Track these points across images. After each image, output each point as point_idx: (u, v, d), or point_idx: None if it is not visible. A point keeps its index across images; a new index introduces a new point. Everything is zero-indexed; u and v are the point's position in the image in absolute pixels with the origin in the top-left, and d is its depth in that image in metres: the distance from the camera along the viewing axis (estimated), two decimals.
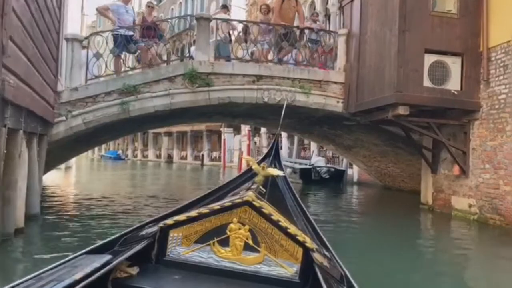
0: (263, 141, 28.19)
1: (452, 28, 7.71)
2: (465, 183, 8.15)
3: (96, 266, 2.03)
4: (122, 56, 8.99)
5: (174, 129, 38.93)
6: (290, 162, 17.54)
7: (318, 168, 15.97)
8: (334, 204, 12.44)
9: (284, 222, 2.33)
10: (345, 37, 9.60)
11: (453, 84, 7.77)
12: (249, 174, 3.19)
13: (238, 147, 31.05)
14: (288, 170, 16.33)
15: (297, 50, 9.56)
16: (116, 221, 7.22)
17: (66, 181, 16.79)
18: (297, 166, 16.48)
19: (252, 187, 2.68)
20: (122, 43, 8.64)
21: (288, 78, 9.16)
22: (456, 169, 8.24)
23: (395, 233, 7.56)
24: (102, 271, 2.02)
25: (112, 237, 2.67)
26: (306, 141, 26.00)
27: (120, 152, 48.85)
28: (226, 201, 2.44)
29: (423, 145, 9.29)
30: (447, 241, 7.26)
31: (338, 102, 9.40)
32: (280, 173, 2.94)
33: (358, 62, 8.96)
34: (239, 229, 2.35)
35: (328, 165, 16.62)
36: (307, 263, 2.31)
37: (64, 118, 8.04)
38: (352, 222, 8.88)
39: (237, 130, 31.61)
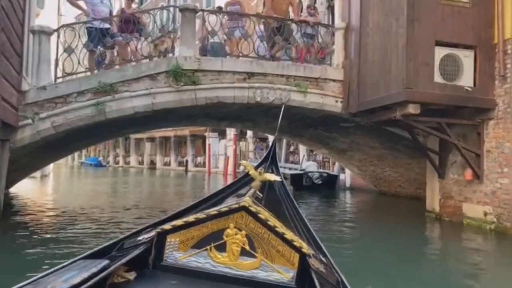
0: (249, 145, 27.37)
1: (464, 18, 7.00)
2: (479, 188, 7.43)
3: (93, 271, 2.03)
4: (97, 51, 8.03)
5: (157, 134, 38.19)
6: (280, 167, 16.64)
7: (309, 174, 15.18)
8: (329, 212, 11.64)
9: (280, 228, 2.34)
10: (343, 31, 8.84)
11: (466, 80, 7.05)
12: (246, 179, 3.14)
13: (223, 152, 30.17)
14: None
15: (291, 46, 8.75)
16: (89, 242, 6.10)
17: (39, 191, 15.60)
18: (288, 171, 15.65)
19: (249, 192, 2.63)
20: (97, 36, 7.70)
21: (282, 76, 8.34)
22: (468, 174, 7.51)
23: (402, 244, 6.79)
24: (100, 276, 2.02)
25: (110, 242, 2.67)
26: (294, 145, 25.38)
27: (101, 158, 47.60)
28: (223, 206, 2.43)
29: (428, 147, 8.56)
30: (462, 254, 6.48)
31: (337, 101, 8.61)
32: (277, 178, 2.90)
33: (359, 58, 8.19)
34: (236, 234, 2.35)
35: (320, 170, 15.84)
36: (304, 269, 2.32)
37: (30, 121, 7.05)
38: (352, 232, 8.08)
39: (222, 135, 30.88)
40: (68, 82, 7.55)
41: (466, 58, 7.02)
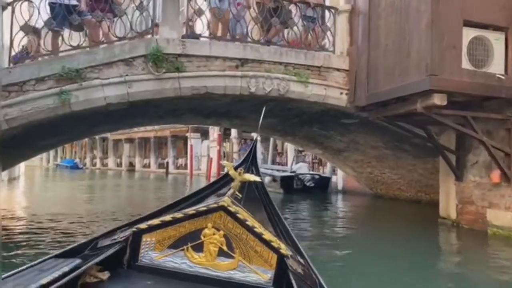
0: (234, 146, 26.19)
1: None
2: (508, 192, 6.45)
3: (64, 270, 2.02)
4: (62, 32, 6.73)
5: (136, 135, 37.11)
6: (268, 169, 15.57)
7: (301, 176, 14.13)
8: (324, 218, 10.61)
9: (259, 228, 2.33)
10: (347, 15, 7.78)
11: (496, 66, 6.08)
12: (225, 180, 3.04)
13: (206, 153, 28.96)
14: (267, 179, 14.42)
15: (289, 29, 7.63)
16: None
17: (4, 196, 14.06)
18: (277, 173, 14.57)
19: (228, 192, 2.59)
20: (61, 13, 6.44)
21: (280, 63, 7.22)
22: (495, 175, 6.54)
23: (416, 258, 5.81)
24: (71, 275, 2.01)
25: (82, 241, 2.63)
26: (281, 145, 24.31)
27: (77, 160, 46.02)
28: (201, 206, 2.41)
29: (444, 145, 7.56)
30: (489, 268, 5.49)
31: (341, 93, 7.53)
32: (257, 178, 2.83)
33: (368, 43, 7.14)
34: (214, 234, 2.33)
35: (311, 172, 14.80)
36: (282, 270, 2.31)
37: None
38: (355, 243, 7.07)
39: (205, 135, 29.81)
40: (24, 66, 6.26)
41: (497, 41, 6.05)
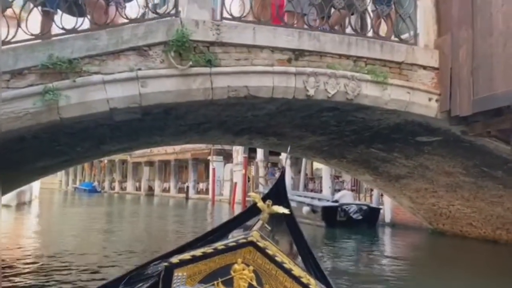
0: (260, 170, 24.17)
1: None
2: None
3: None
4: (55, 13, 4.95)
5: (156, 158, 35.90)
6: (304, 197, 13.48)
7: (345, 206, 11.98)
8: (379, 259, 8.48)
9: (288, 264, 2.37)
10: None
11: None
12: (254, 210, 2.96)
13: (229, 177, 27.14)
14: (305, 209, 12.33)
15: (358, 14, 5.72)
16: None
17: (9, 226, 12.27)
18: (317, 203, 12.44)
19: (257, 225, 2.64)
20: None
21: (348, 57, 5.28)
22: None
23: None
24: None
25: (117, 276, 2.78)
26: (311, 169, 22.17)
27: (95, 184, 45.01)
28: (231, 241, 2.45)
29: None
30: None
31: (430, 99, 5.52)
32: (286, 211, 2.77)
33: (473, 30, 5.14)
34: (243, 269, 2.36)
35: (358, 202, 12.64)
36: None
37: None
38: None
39: (227, 159, 28.19)
40: None
41: None
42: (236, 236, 2.61)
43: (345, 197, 12.60)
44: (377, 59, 5.36)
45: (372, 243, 10.94)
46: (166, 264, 2.40)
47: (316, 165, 21.57)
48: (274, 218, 2.82)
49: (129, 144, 8.77)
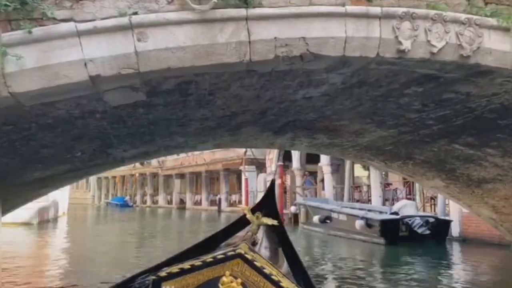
0: (296, 179, 22.26)
1: None
2: None
3: None
4: None
5: (187, 169, 35.08)
6: (359, 209, 11.46)
7: (408, 219, 9.92)
8: None
9: (277, 275, 2.38)
10: None
11: None
12: (243, 222, 3.09)
13: (263, 188, 25.44)
14: (358, 223, 10.34)
15: None
16: None
17: (28, 246, 10.82)
18: (373, 216, 10.42)
19: (246, 236, 2.65)
20: None
21: None
22: None
23: None
24: None
25: None
26: (351, 176, 19.98)
27: (127, 198, 44.57)
28: (219, 253, 2.48)
29: None
30: None
31: None
32: (275, 222, 2.87)
33: None
34: (231, 282, 2.37)
35: (423, 214, 10.54)
36: None
37: None
38: None
39: (260, 168, 26.78)
40: None
41: None
42: (224, 248, 2.68)
43: (406, 207, 10.53)
44: None
45: (447, 264, 8.88)
46: (153, 277, 2.51)
47: (357, 172, 19.51)
48: (264, 229, 2.96)
49: (144, 148, 7.05)
